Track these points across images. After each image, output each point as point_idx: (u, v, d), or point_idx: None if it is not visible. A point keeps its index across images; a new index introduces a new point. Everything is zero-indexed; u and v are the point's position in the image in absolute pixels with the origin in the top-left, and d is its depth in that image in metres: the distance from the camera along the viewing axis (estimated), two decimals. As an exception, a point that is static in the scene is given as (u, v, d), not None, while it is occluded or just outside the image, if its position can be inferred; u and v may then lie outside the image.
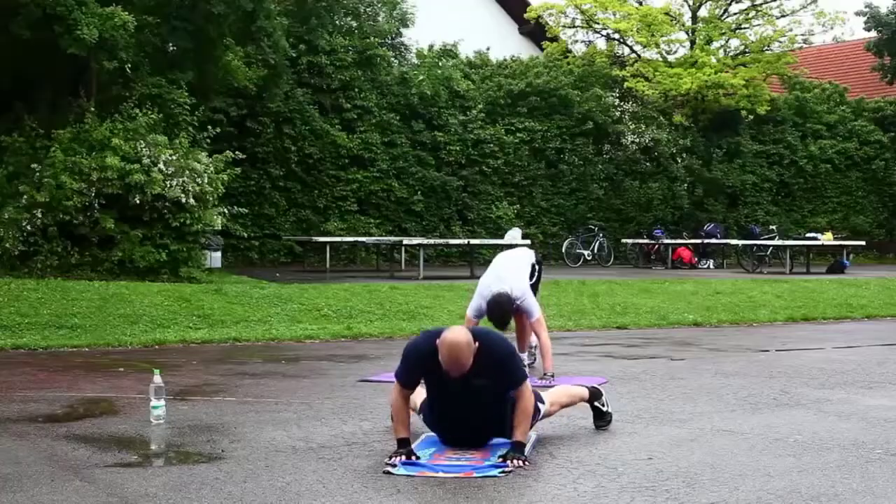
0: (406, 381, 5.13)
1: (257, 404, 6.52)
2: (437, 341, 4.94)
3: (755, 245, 21.31)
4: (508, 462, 4.84)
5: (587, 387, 5.99)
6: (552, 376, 7.48)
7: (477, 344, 4.95)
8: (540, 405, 5.37)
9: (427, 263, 16.75)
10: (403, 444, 4.96)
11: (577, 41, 27.37)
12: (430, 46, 23.49)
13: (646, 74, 25.11)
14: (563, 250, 21.92)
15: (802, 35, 26.67)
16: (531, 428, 5.23)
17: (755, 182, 25.76)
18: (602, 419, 5.85)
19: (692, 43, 26.18)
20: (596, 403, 5.86)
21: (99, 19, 12.84)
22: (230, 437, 5.50)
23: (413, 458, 4.88)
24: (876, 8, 26.66)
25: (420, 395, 5.38)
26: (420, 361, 5.08)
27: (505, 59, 24.75)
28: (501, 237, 17.38)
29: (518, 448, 4.96)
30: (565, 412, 5.96)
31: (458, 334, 4.94)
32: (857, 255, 24.70)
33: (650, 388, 7.32)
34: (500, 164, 22.69)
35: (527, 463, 4.89)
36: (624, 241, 22.95)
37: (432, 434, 5.44)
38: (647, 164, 25.01)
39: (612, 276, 17.46)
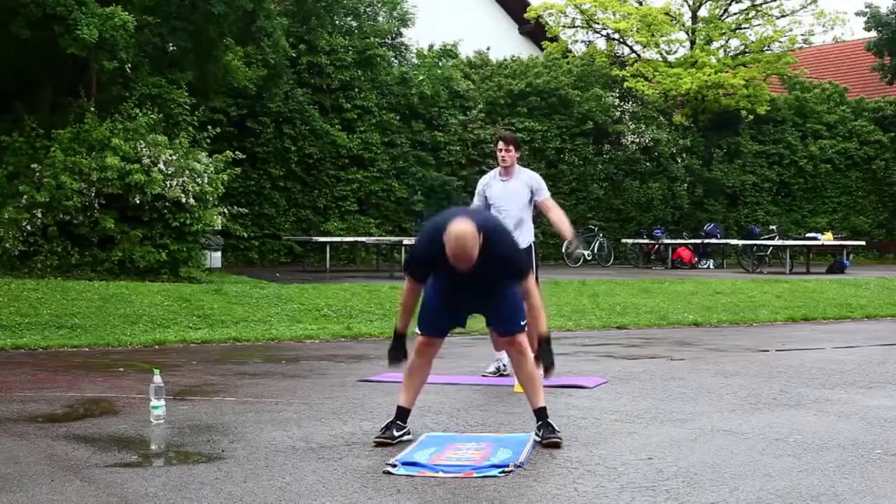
0: (418, 275, 5.28)
1: (257, 404, 6.52)
2: (444, 236, 4.95)
3: (755, 245, 21.30)
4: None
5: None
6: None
7: (482, 235, 4.98)
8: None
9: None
10: (400, 340, 5.31)
11: (577, 41, 27.42)
12: (430, 46, 23.48)
13: (646, 74, 25.11)
14: (563, 250, 21.91)
15: (802, 35, 26.73)
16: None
17: (755, 182, 25.76)
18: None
19: (692, 43, 26.19)
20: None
21: (99, 19, 12.85)
22: (230, 437, 5.50)
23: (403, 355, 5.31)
24: (876, 8, 26.65)
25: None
26: (429, 257, 5.16)
27: (505, 59, 24.74)
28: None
29: (546, 346, 5.24)
30: (564, 414, 5.99)
31: (464, 227, 4.93)
32: (857, 255, 24.69)
33: (650, 388, 7.31)
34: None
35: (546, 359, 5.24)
36: (624, 241, 22.95)
37: (432, 434, 5.44)
38: (647, 164, 25.02)
39: (612, 276, 17.45)
